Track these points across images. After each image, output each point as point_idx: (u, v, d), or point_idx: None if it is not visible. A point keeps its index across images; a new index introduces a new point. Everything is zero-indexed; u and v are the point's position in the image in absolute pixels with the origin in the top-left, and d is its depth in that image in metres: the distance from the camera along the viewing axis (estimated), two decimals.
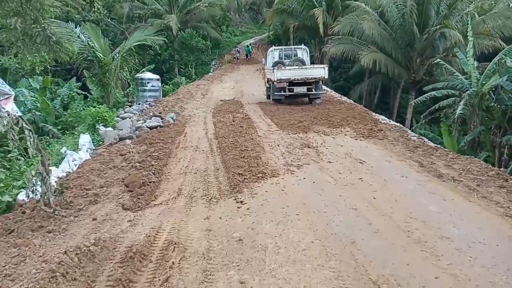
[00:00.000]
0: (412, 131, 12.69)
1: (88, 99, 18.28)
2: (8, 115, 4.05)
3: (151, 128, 10.70)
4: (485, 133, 13.04)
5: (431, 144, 8.83)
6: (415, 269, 3.30)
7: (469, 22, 16.18)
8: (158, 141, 8.95)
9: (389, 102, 25.25)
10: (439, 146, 9.04)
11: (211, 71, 30.97)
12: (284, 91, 13.95)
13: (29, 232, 4.19)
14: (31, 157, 4.34)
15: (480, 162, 7.06)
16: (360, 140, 8.81)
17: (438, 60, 16.63)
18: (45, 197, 4.42)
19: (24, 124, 4.13)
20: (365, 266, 3.36)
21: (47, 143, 11.84)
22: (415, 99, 17.85)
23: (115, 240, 3.94)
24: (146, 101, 16.39)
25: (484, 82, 13.42)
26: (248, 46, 35.26)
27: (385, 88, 24.69)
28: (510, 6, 19.24)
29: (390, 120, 12.47)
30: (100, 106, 12.73)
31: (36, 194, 4.31)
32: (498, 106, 12.36)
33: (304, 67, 14.36)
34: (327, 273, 3.25)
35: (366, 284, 3.11)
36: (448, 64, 16.41)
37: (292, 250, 3.67)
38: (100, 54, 15.25)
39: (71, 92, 17.65)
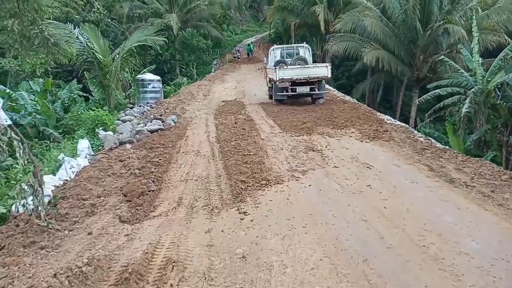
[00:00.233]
0: (417, 130, 12.44)
1: (90, 101, 18.08)
2: None
3: (151, 131, 10.48)
4: (491, 131, 12.75)
5: (439, 145, 8.56)
6: None
7: (473, 17, 15.85)
8: (159, 145, 8.72)
9: (392, 100, 24.93)
10: (447, 147, 8.78)
11: (212, 70, 30.70)
12: (287, 91, 13.69)
13: (21, 248, 3.97)
14: (24, 166, 4.09)
15: (491, 165, 6.80)
16: (366, 142, 8.55)
17: (442, 57, 16.30)
18: (37, 211, 4.20)
19: (13, 134, 3.91)
20: None
21: (47, 148, 11.65)
22: (419, 97, 17.57)
23: (110, 259, 3.70)
24: (147, 102, 16.19)
25: (490, 79, 13.14)
26: (249, 45, 34.93)
27: (388, 86, 24.37)
28: None
29: (396, 120, 12.19)
30: (100, 109, 12.49)
31: (27, 208, 4.07)
32: (504, 103, 12.09)
33: (306, 66, 14.07)
34: None
35: None
36: (452, 61, 16.11)
37: (300, 269, 3.43)
38: (100, 55, 15.01)
39: (72, 95, 17.45)
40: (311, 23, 24.34)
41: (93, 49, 14.85)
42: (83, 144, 8.49)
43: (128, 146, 9.18)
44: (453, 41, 17.66)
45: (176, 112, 13.32)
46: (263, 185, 5.80)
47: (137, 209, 5.01)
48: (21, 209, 4.24)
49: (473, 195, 5.24)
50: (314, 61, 17.26)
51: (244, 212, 4.78)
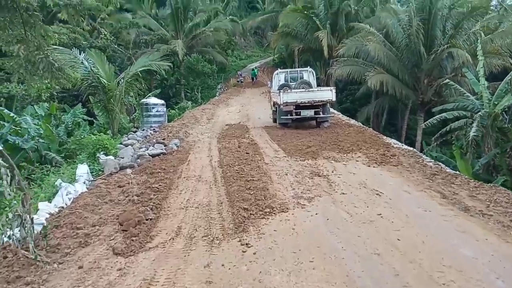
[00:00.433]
0: (424, 154, 12.18)
1: (94, 125, 18.09)
2: None
3: (153, 156, 10.28)
4: (500, 156, 12.45)
5: (449, 170, 8.26)
6: None
7: (478, 41, 15.89)
8: (160, 170, 8.49)
9: (396, 123, 24.80)
10: (458, 173, 8.48)
11: (217, 94, 30.92)
12: (291, 115, 13.57)
13: (4, 285, 3.67)
14: (11, 195, 3.84)
15: (506, 191, 6.48)
16: (373, 166, 8.27)
17: (447, 80, 16.23)
18: (24, 243, 3.92)
19: (0, 161, 3.71)
20: None
21: (48, 172, 11.47)
22: (424, 120, 17.40)
23: None
24: (151, 126, 16.14)
25: (496, 103, 13.00)
26: (253, 70, 35.36)
27: (392, 109, 24.32)
28: None
29: (403, 144, 11.93)
30: (102, 133, 12.37)
31: (13, 240, 3.81)
32: None
33: (311, 89, 14.03)
34: None
35: None
36: (457, 84, 16.02)
37: None
38: (104, 80, 15.10)
39: (76, 119, 17.48)
40: (315, 48, 24.62)
41: (97, 74, 14.95)
42: (82, 170, 8.28)
43: (128, 171, 8.96)
44: (458, 64, 17.68)
45: (179, 136, 13.18)
46: (267, 213, 5.49)
47: (132, 240, 4.70)
48: (6, 240, 3.96)
49: (491, 225, 4.90)
50: (318, 85, 17.27)
51: (246, 244, 4.46)
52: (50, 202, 6.52)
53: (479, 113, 12.90)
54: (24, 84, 16.37)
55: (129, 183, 7.54)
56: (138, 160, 9.89)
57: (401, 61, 19.05)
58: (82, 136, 14.02)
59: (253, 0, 50.39)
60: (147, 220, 5.39)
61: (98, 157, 9.94)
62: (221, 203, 6.17)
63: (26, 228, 3.89)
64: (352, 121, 16.02)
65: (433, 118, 15.53)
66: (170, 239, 4.80)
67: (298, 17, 25.04)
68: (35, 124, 15.75)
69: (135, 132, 15.88)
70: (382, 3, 26.04)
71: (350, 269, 3.76)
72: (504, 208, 5.58)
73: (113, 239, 4.85)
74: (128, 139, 13.15)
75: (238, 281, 3.66)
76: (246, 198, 6.10)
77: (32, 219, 4.08)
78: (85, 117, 18.82)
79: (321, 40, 22.48)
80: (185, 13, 30.96)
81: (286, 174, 7.68)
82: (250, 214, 5.46)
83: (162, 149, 10.90)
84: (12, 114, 15.83)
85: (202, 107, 22.57)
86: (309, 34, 24.78)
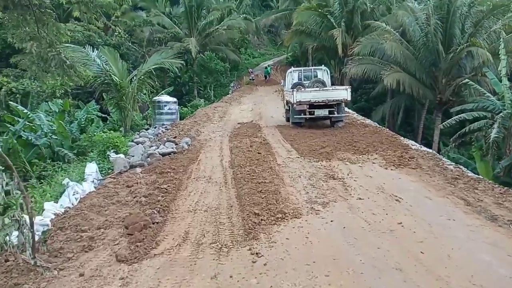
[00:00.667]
0: (442, 155, 11.74)
1: (107, 122, 18.12)
2: None
3: (163, 154, 10.10)
4: None
5: (471, 174, 7.80)
6: None
7: (501, 39, 15.22)
8: (169, 170, 8.29)
9: (413, 123, 24.14)
10: (481, 177, 8.00)
11: (229, 92, 30.74)
12: (305, 114, 13.22)
13: None
14: (5, 198, 3.65)
15: None
16: (391, 169, 7.88)
17: (467, 80, 15.61)
18: (22, 249, 3.74)
19: None
20: None
21: (59, 169, 11.44)
22: (442, 121, 16.83)
23: None
24: (163, 124, 16.06)
25: None
26: (266, 68, 35.04)
27: (408, 109, 23.69)
28: None
29: (421, 145, 11.46)
30: (112, 131, 12.28)
31: (9, 246, 3.63)
32: None
33: (325, 88, 13.63)
34: None
35: None
36: (477, 84, 15.40)
37: None
38: (117, 78, 15.04)
39: (89, 115, 17.53)
40: (329, 46, 24.12)
41: (110, 72, 14.90)
42: (91, 168, 8.14)
43: (138, 170, 8.81)
44: (477, 64, 16.97)
45: (191, 134, 13.00)
46: (279, 219, 5.20)
47: (137, 245, 4.48)
48: (4, 246, 3.79)
49: None
50: (332, 84, 16.87)
51: (256, 253, 4.18)
52: (57, 202, 6.38)
53: (501, 114, 12.46)
54: (38, 80, 16.50)
55: (137, 183, 7.37)
56: (148, 159, 9.73)
57: (418, 59, 18.47)
58: (94, 133, 14.01)
59: None
60: (153, 223, 5.16)
61: (108, 155, 9.82)
62: (231, 206, 5.91)
63: (24, 233, 3.71)
64: (368, 121, 15.55)
65: (452, 118, 15.01)
66: (176, 245, 4.55)
67: (312, 15, 24.55)
68: (48, 120, 15.82)
69: (147, 129, 15.81)
70: (399, 1, 25.33)
71: (370, 286, 3.44)
72: None
73: (117, 244, 4.64)
74: (140, 137, 13.05)
75: None
76: (257, 202, 5.83)
77: (32, 223, 3.89)
78: (99, 113, 18.89)
79: (336, 39, 21.97)
80: (199, 11, 30.84)
81: (299, 176, 7.37)
82: (261, 219, 5.18)
83: (172, 148, 10.72)
84: (26, 111, 15.97)
85: (215, 105, 22.37)
86: (323, 32, 24.27)
